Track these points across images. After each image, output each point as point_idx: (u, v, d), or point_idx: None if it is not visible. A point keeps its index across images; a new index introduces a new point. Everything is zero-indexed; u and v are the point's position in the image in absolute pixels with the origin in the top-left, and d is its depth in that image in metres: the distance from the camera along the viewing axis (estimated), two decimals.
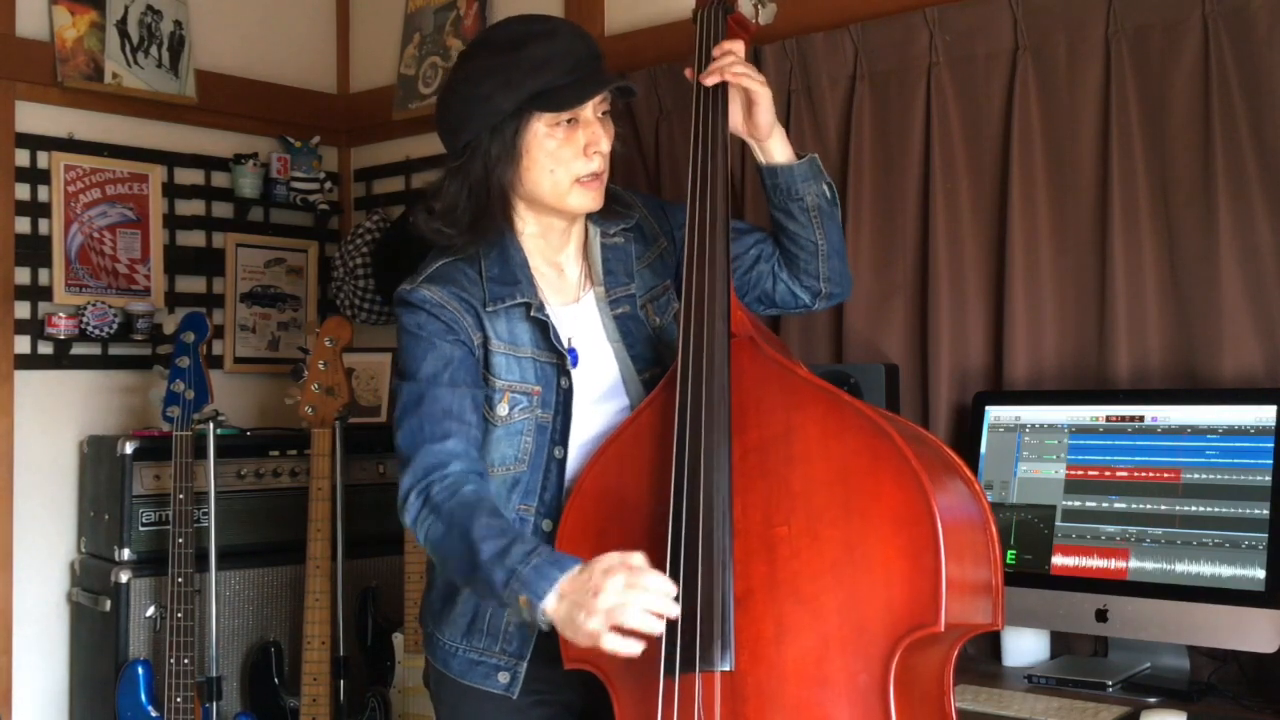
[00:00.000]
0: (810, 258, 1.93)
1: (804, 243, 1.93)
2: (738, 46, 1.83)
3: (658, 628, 1.54)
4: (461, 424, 1.80)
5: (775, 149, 1.90)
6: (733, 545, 1.62)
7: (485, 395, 1.86)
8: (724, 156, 1.82)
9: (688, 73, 1.91)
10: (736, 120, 1.87)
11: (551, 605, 1.57)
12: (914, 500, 1.55)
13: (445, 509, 1.72)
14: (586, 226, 1.97)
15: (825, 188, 1.93)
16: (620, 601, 1.52)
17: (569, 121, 1.82)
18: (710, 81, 1.83)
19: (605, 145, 1.86)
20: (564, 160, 1.83)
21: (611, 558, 1.57)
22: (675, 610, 1.55)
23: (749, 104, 1.85)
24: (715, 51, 1.84)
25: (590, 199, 1.87)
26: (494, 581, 1.62)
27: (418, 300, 1.85)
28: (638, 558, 1.57)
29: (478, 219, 1.86)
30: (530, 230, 1.92)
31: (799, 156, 1.91)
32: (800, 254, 1.94)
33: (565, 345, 1.88)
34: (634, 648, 1.55)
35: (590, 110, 1.84)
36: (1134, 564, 2.15)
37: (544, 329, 1.87)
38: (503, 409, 1.86)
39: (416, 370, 1.83)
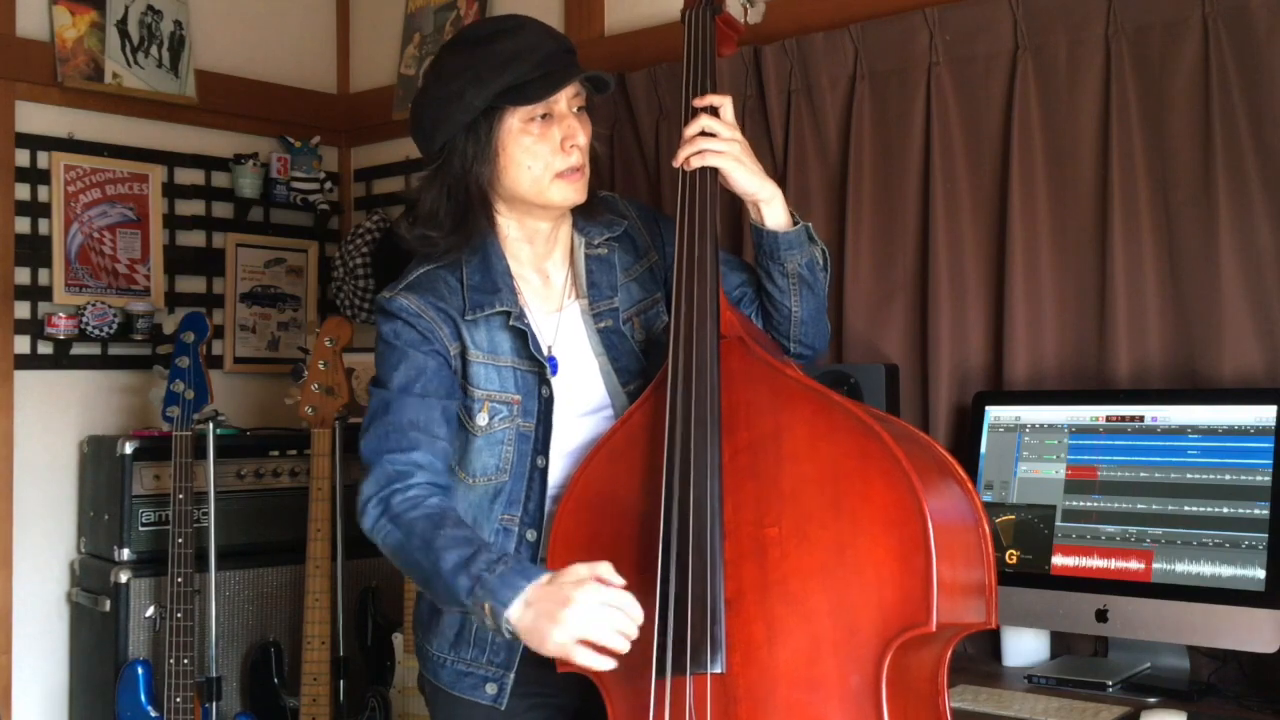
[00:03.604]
0: (783, 320, 1.89)
1: (778, 305, 1.87)
2: (719, 103, 1.78)
3: (624, 647, 1.54)
4: (428, 436, 1.79)
5: (767, 213, 1.82)
6: (723, 547, 1.62)
7: (465, 405, 1.85)
8: (714, 172, 1.80)
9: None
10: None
11: (516, 614, 1.57)
12: (904, 500, 1.55)
13: (405, 519, 1.72)
14: (572, 234, 1.95)
15: (818, 254, 1.87)
16: (591, 617, 1.53)
17: (543, 116, 1.81)
18: (676, 164, 1.80)
19: (582, 139, 1.84)
20: (541, 156, 1.81)
21: (580, 570, 1.56)
22: (633, 629, 1.55)
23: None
24: (685, 131, 1.79)
25: (572, 192, 1.85)
26: (457, 588, 1.62)
27: (395, 309, 1.84)
28: (605, 568, 1.57)
29: (460, 221, 1.84)
30: (513, 234, 1.90)
31: (795, 221, 1.84)
32: (774, 313, 1.89)
33: (545, 354, 1.87)
34: (605, 663, 1.56)
35: (564, 104, 1.82)
36: (1134, 564, 2.15)
37: (524, 338, 1.86)
38: (482, 418, 1.85)
39: (388, 379, 1.83)
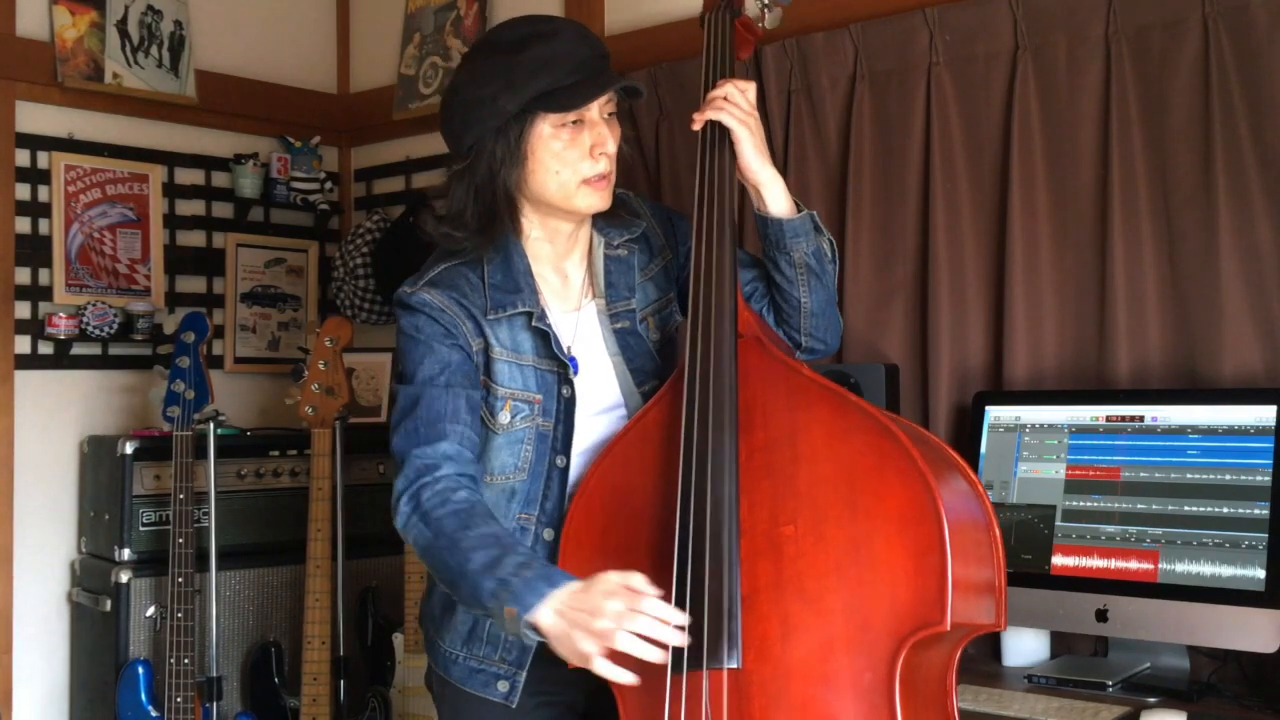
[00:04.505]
0: (793, 312, 1.88)
1: (787, 296, 1.87)
2: (743, 87, 1.81)
3: (655, 655, 1.54)
4: (456, 425, 1.79)
5: (769, 197, 1.82)
6: (739, 544, 1.63)
7: (487, 402, 1.85)
8: (731, 160, 1.81)
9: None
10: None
11: (547, 620, 1.58)
12: (920, 499, 1.56)
13: (434, 516, 1.72)
14: (591, 234, 1.95)
15: (825, 245, 1.87)
16: (613, 627, 1.53)
17: (575, 122, 1.80)
18: (695, 126, 1.81)
19: (611, 147, 1.84)
20: (570, 162, 1.81)
21: (611, 579, 1.57)
22: (677, 639, 1.55)
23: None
24: (711, 92, 1.82)
25: (598, 199, 1.85)
26: (481, 590, 1.63)
27: (417, 303, 1.84)
28: (637, 579, 1.57)
29: (486, 222, 1.84)
30: (535, 234, 1.91)
31: (799, 209, 1.84)
32: (784, 305, 1.88)
33: (566, 354, 1.88)
34: (625, 676, 1.56)
35: (596, 111, 1.82)
36: (1134, 564, 2.15)
37: (545, 338, 1.86)
38: (504, 416, 1.85)
39: (413, 373, 1.83)
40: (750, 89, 1.81)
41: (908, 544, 1.56)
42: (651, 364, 1.94)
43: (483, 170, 1.83)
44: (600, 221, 1.94)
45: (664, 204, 2.33)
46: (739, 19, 1.92)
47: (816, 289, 1.87)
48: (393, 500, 1.78)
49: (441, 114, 1.88)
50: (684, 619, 1.57)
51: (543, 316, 1.86)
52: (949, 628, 1.53)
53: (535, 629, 1.59)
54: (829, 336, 1.93)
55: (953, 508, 1.57)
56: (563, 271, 1.94)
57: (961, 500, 1.62)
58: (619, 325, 1.92)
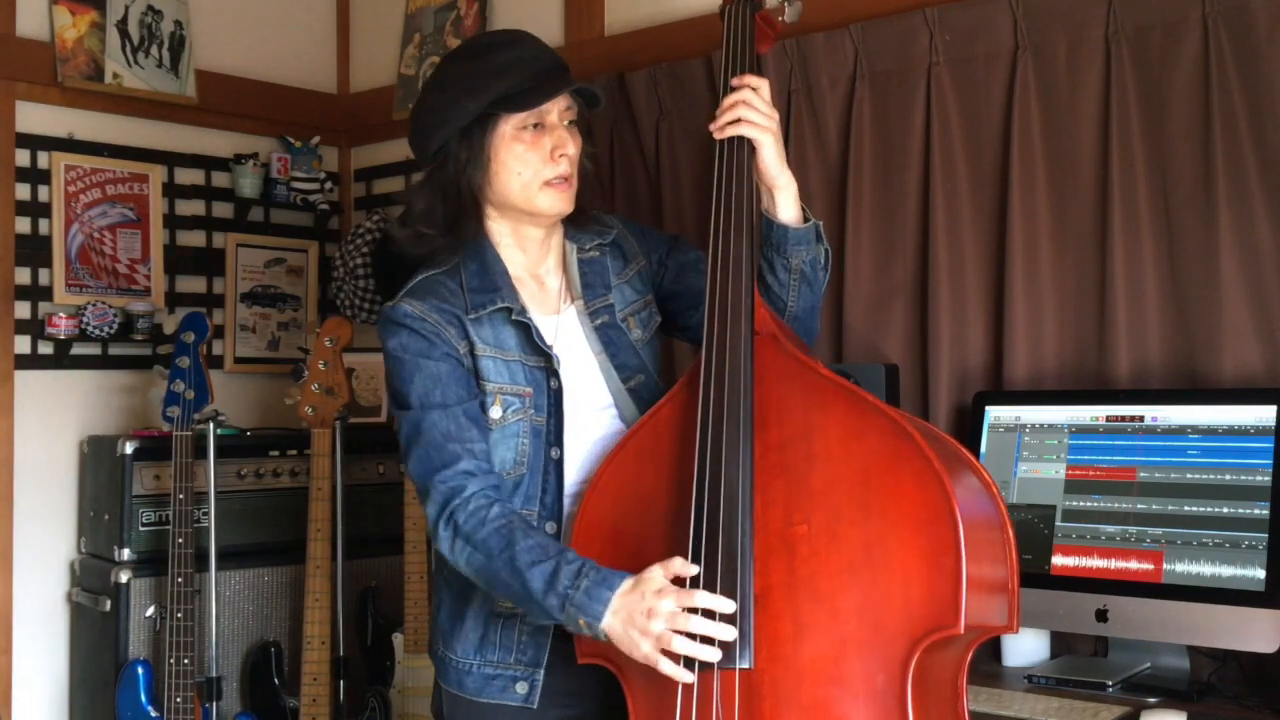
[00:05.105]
0: (777, 314, 1.89)
1: (775, 298, 1.89)
2: (757, 85, 1.80)
3: (712, 655, 1.57)
4: (464, 444, 1.81)
5: (781, 202, 1.84)
6: (753, 542, 1.63)
7: (479, 400, 1.86)
8: (750, 157, 1.81)
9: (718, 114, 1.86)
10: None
11: (608, 624, 1.61)
12: (935, 500, 1.55)
13: (479, 538, 1.74)
14: (564, 243, 1.98)
15: (821, 254, 1.89)
16: (666, 629, 1.57)
17: (535, 126, 1.86)
18: (716, 135, 1.81)
19: (572, 149, 1.88)
20: (531, 164, 1.86)
21: (658, 576, 1.60)
22: (728, 634, 1.58)
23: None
24: (724, 101, 1.81)
25: (560, 200, 1.89)
26: (550, 609, 1.67)
27: (399, 317, 1.86)
28: (678, 563, 1.60)
29: (453, 223, 1.89)
30: (506, 241, 1.94)
31: (806, 218, 1.86)
32: (769, 306, 1.88)
33: (549, 347, 1.89)
34: (687, 676, 1.58)
35: (556, 116, 1.88)
36: (1134, 564, 2.15)
37: (527, 331, 1.88)
38: (496, 411, 1.86)
39: (407, 396, 1.84)
40: (764, 87, 1.82)
41: (922, 545, 1.55)
42: (635, 359, 1.96)
43: (449, 172, 1.88)
44: (571, 229, 1.98)
45: (654, 204, 2.34)
46: (759, 12, 1.92)
47: (805, 295, 1.89)
48: (430, 529, 1.81)
49: (410, 124, 1.94)
50: (732, 606, 1.59)
51: (523, 311, 1.89)
52: (963, 630, 1.52)
53: (607, 635, 1.63)
54: (806, 339, 1.95)
55: (968, 509, 1.56)
56: (539, 278, 1.97)
57: (976, 500, 1.62)
58: (599, 321, 1.95)
